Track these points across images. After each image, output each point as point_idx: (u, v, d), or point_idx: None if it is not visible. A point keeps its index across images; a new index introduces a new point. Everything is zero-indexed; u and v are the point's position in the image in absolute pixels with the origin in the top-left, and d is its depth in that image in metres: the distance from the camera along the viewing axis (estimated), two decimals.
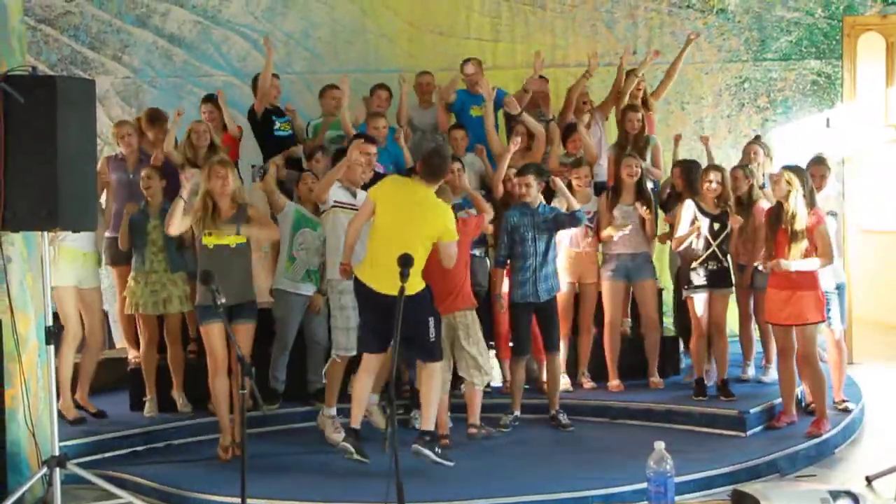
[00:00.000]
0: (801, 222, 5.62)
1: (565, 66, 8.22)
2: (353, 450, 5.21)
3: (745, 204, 6.51)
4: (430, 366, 5.32)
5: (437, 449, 5.24)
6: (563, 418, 6.15)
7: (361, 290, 5.30)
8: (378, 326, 5.18)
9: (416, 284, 5.04)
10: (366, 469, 5.15)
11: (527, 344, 6.14)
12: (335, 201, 5.91)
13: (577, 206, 6.12)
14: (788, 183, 5.64)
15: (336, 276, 5.76)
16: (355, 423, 5.31)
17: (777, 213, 5.76)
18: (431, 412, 5.30)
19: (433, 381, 5.31)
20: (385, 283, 4.96)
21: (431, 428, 5.30)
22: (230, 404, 5.62)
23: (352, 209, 5.82)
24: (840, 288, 6.25)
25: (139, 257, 6.23)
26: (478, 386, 5.77)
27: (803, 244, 5.62)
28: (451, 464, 5.24)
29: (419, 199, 5.28)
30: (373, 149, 6.03)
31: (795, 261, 5.60)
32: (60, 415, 6.19)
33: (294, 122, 7.34)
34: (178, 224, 5.49)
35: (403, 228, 5.16)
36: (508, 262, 6.14)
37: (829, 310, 5.91)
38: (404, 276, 4.53)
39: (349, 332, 5.84)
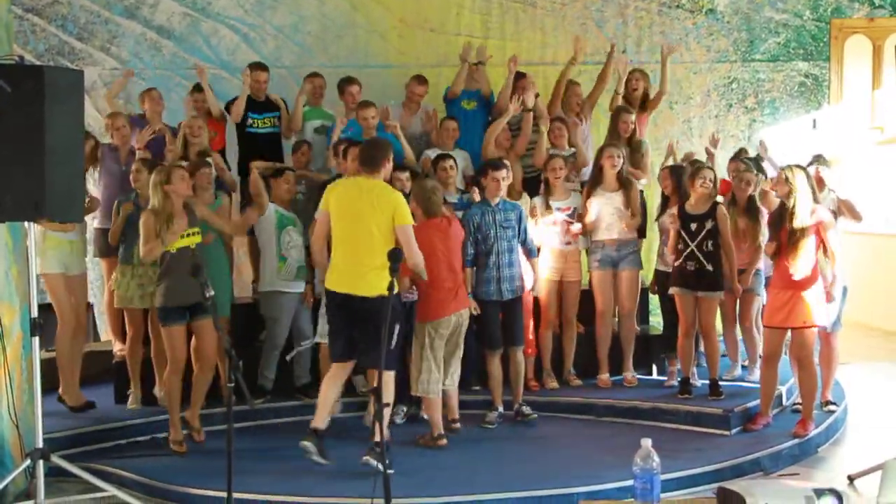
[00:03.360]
0: (804, 221, 5.56)
1: (555, 64, 8.20)
2: (313, 450, 5.15)
3: (749, 207, 6.45)
4: (386, 374, 4.99)
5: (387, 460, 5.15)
6: (526, 409, 6.13)
7: (328, 296, 5.27)
8: (343, 332, 5.09)
9: (380, 285, 4.64)
10: (354, 465, 5.13)
11: (497, 339, 6.09)
12: None
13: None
14: (789, 182, 5.57)
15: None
16: (319, 424, 5.22)
17: (780, 213, 5.68)
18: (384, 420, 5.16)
19: (390, 389, 5.14)
20: (344, 282, 4.93)
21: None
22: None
23: None
24: (843, 290, 6.19)
25: (127, 250, 6.16)
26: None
27: (805, 243, 5.55)
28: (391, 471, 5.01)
29: (366, 189, 5.15)
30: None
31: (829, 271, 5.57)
32: (62, 401, 6.20)
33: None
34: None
35: (356, 224, 5.09)
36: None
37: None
38: (394, 271, 4.42)
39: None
